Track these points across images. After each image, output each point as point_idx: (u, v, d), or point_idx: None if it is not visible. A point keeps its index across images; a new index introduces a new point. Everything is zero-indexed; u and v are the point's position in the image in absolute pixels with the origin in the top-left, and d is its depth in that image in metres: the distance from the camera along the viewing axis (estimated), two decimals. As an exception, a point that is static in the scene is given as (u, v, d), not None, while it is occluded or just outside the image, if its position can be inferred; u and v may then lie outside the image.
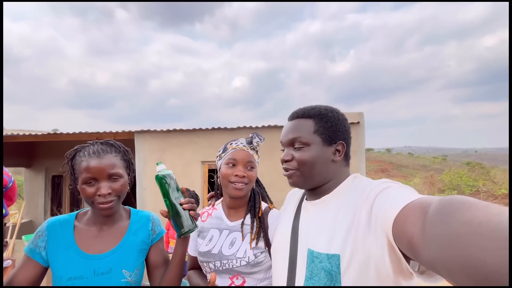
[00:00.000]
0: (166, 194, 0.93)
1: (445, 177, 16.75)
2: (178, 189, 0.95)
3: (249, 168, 1.10)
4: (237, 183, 1.08)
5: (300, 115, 0.86)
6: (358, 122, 4.30)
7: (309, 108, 0.86)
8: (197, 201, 2.96)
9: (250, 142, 1.13)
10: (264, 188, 1.25)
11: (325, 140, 0.81)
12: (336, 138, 0.82)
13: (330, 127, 0.82)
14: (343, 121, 0.85)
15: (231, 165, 1.10)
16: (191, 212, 0.93)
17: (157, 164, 0.97)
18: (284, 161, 0.86)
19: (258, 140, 1.13)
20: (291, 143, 0.85)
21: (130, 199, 6.40)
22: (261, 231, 1.08)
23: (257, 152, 1.16)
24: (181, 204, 0.92)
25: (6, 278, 0.89)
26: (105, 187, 0.90)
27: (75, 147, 0.96)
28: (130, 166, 1.01)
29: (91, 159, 0.90)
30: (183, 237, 0.96)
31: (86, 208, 1.03)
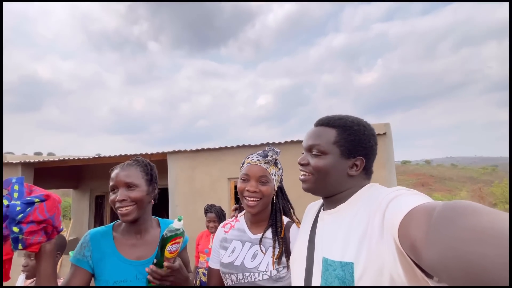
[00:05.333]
0: (157, 254, 0.94)
1: (496, 190, 15.09)
2: (162, 255, 0.92)
3: (262, 182, 1.08)
4: (249, 198, 1.08)
5: (325, 122, 0.84)
6: (385, 133, 4.18)
7: (336, 117, 0.84)
8: (223, 217, 3.02)
9: (265, 156, 1.11)
10: (288, 201, 1.22)
11: (343, 153, 0.79)
12: (356, 153, 0.79)
13: (352, 141, 0.79)
14: (368, 136, 0.81)
15: (244, 180, 1.10)
16: (149, 277, 0.93)
17: (178, 219, 0.96)
18: (300, 164, 0.86)
19: (273, 153, 1.11)
20: (309, 149, 0.84)
21: (163, 216, 6.65)
22: (284, 247, 1.06)
23: (276, 165, 1.14)
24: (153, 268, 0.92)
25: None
26: (120, 195, 1.01)
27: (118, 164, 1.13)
28: (151, 179, 1.11)
29: (116, 170, 1.05)
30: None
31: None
